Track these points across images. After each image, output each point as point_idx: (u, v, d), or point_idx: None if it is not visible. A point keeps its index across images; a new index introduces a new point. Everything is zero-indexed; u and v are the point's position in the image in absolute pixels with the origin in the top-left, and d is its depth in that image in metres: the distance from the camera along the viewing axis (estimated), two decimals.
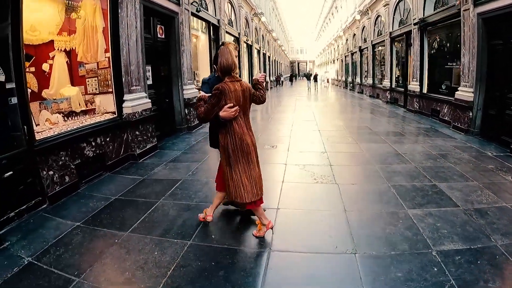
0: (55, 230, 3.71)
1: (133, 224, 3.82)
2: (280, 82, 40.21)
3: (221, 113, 3.07)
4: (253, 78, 3.66)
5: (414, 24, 12.35)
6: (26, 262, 3.09)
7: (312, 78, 31.40)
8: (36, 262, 3.09)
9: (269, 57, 32.58)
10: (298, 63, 79.80)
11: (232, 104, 3.07)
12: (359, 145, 7.62)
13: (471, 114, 8.46)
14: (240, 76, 13.01)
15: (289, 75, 52.45)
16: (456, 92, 9.15)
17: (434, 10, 11.16)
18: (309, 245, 3.37)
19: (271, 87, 32.54)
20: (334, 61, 39.57)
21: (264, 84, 3.48)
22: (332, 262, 3.09)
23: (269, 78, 31.60)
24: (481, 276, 2.78)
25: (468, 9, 8.33)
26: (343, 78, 32.25)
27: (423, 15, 11.84)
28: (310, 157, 6.68)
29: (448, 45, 10.66)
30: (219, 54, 3.22)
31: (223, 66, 3.12)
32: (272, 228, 3.45)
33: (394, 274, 2.84)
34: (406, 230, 3.59)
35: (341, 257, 3.15)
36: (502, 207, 4.13)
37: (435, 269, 2.89)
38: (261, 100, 3.42)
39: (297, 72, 70.69)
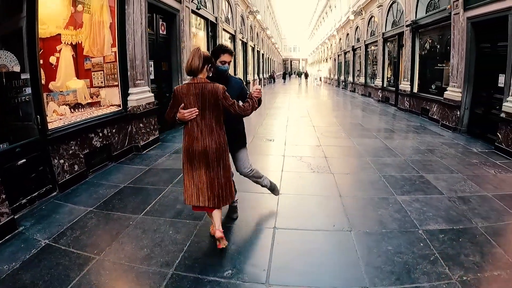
0: (69, 215, 3.90)
1: (145, 208, 4.06)
2: (273, 79, 40.73)
3: (178, 114, 3.01)
4: (249, 92, 3.31)
5: (407, 26, 12.63)
6: (43, 244, 3.26)
7: (303, 75, 33.65)
8: (53, 244, 3.27)
9: (263, 54, 32.70)
10: (291, 61, 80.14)
11: (182, 105, 2.97)
12: (352, 140, 7.98)
13: (459, 113, 8.80)
14: (235, 73, 12.91)
15: (282, 73, 52.55)
16: (445, 92, 9.48)
17: (426, 13, 11.46)
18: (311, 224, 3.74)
19: (265, 84, 33.09)
20: (327, 59, 39.85)
21: (256, 99, 3.19)
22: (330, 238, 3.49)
23: (263, 75, 32.08)
24: (462, 251, 3.14)
25: (458, 13, 8.62)
26: (336, 77, 32.60)
27: (415, 17, 12.11)
28: (306, 150, 7.05)
29: (438, 46, 10.95)
30: None
31: (185, 67, 3.04)
32: (219, 240, 3.09)
33: (386, 248, 3.21)
34: (395, 213, 3.97)
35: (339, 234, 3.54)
36: (484, 195, 4.50)
37: (421, 244, 3.27)
38: (235, 112, 3.06)
39: (290, 70, 70.73)
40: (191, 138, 3.01)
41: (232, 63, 16.52)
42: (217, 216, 3.14)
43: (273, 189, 4.00)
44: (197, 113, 2.95)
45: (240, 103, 3.17)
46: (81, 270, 2.83)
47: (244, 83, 3.59)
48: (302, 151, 6.88)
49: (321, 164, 5.93)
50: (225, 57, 3.29)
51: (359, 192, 4.75)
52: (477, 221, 3.73)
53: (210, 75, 3.13)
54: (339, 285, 2.73)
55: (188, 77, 3.01)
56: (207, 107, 2.95)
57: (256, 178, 3.73)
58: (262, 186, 3.88)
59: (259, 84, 3.46)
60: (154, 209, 4.04)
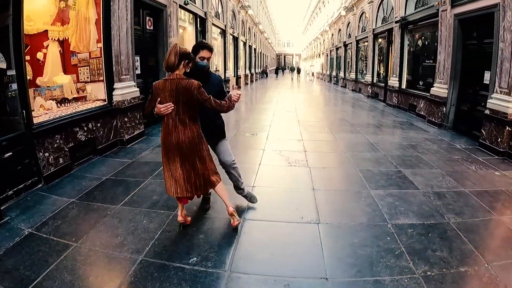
0: (52, 205, 4.08)
1: (124, 199, 4.25)
2: (266, 74, 40.87)
3: (155, 109, 3.12)
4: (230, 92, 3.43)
5: (396, 22, 12.81)
6: (26, 233, 3.44)
7: (295, 70, 34.42)
8: (36, 233, 3.45)
9: (255, 49, 32.70)
10: (285, 56, 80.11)
11: (159, 100, 3.08)
12: (335, 135, 8.16)
13: (444, 109, 8.96)
14: (225, 68, 13.06)
15: (275, 67, 52.61)
16: (431, 88, 9.64)
17: (415, 9, 11.61)
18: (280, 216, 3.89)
19: (257, 79, 33.21)
20: (319, 55, 40.10)
21: (233, 101, 3.29)
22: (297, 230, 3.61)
23: (255, 70, 32.26)
24: (430, 246, 3.20)
25: (446, 9, 8.77)
26: (328, 72, 32.88)
27: (405, 13, 12.30)
28: (287, 144, 7.19)
29: (426, 43, 11.12)
30: None
31: (163, 64, 3.14)
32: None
33: (352, 240, 3.32)
34: (366, 207, 4.08)
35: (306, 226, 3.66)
36: (461, 191, 4.57)
37: (388, 238, 3.35)
38: (211, 107, 3.16)
39: (283, 65, 70.84)
40: (166, 132, 3.15)
41: (222, 58, 16.69)
42: (222, 193, 3.50)
43: (250, 198, 4.06)
44: (173, 107, 3.06)
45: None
46: (59, 256, 3.02)
47: (224, 80, 3.73)
48: (283, 145, 7.03)
49: (300, 158, 6.10)
50: (204, 53, 3.37)
51: (333, 186, 4.92)
52: (449, 217, 3.79)
53: (188, 71, 3.19)
54: (299, 275, 2.81)
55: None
56: (181, 103, 3.06)
57: (237, 176, 3.83)
58: (238, 188, 3.96)
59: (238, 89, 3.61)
60: (132, 200, 4.24)
